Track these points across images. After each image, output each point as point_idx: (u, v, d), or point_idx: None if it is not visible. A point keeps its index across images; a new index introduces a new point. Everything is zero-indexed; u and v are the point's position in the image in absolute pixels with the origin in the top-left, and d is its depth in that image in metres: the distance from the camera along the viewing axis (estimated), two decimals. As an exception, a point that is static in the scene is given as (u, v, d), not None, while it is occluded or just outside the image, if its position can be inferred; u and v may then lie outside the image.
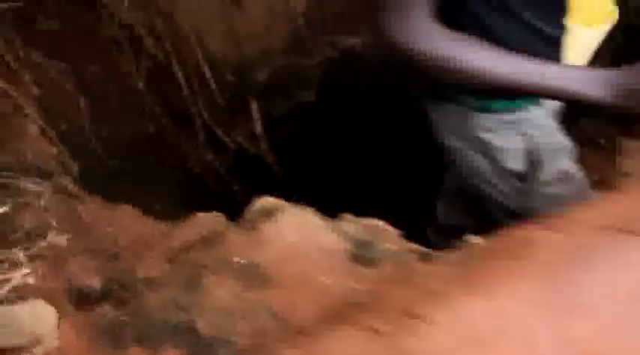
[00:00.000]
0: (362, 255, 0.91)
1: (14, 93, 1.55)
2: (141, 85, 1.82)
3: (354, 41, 2.07)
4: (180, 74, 1.89)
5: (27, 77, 1.56)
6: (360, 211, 1.09)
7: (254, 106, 2.12)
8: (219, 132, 2.05)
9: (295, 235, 0.94)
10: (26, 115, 1.55)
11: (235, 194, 2.28)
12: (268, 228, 0.97)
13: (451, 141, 1.12)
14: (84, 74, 1.67)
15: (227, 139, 2.09)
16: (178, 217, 1.95)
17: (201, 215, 1.15)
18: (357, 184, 2.39)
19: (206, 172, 2.10)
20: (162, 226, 1.19)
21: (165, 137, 1.95)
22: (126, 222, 1.26)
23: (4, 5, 1.43)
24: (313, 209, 1.02)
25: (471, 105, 1.04)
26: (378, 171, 2.40)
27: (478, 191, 1.14)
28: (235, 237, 0.98)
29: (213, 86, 1.92)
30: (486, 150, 1.08)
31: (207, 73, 1.88)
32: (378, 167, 2.40)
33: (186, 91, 1.92)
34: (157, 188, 1.94)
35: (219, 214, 1.13)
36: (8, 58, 1.51)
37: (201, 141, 2.03)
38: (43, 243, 1.14)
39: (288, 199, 2.40)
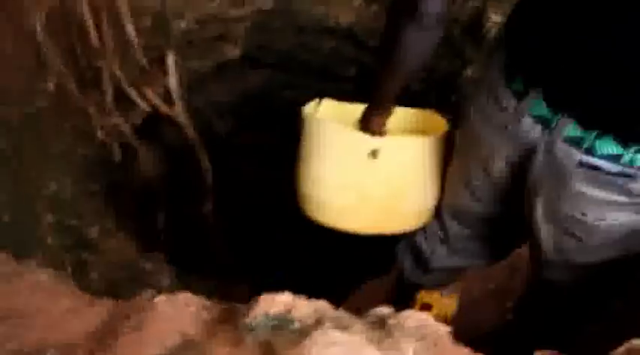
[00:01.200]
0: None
1: None
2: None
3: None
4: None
5: None
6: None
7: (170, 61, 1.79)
8: (131, 90, 1.70)
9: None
10: None
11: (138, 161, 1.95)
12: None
13: None
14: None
15: (139, 99, 1.74)
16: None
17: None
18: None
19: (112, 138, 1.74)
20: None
21: (66, 96, 1.55)
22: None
23: None
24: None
25: None
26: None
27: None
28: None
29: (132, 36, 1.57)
30: None
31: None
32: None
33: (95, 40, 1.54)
34: (55, 160, 1.56)
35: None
36: None
37: (109, 101, 1.67)
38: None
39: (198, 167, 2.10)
